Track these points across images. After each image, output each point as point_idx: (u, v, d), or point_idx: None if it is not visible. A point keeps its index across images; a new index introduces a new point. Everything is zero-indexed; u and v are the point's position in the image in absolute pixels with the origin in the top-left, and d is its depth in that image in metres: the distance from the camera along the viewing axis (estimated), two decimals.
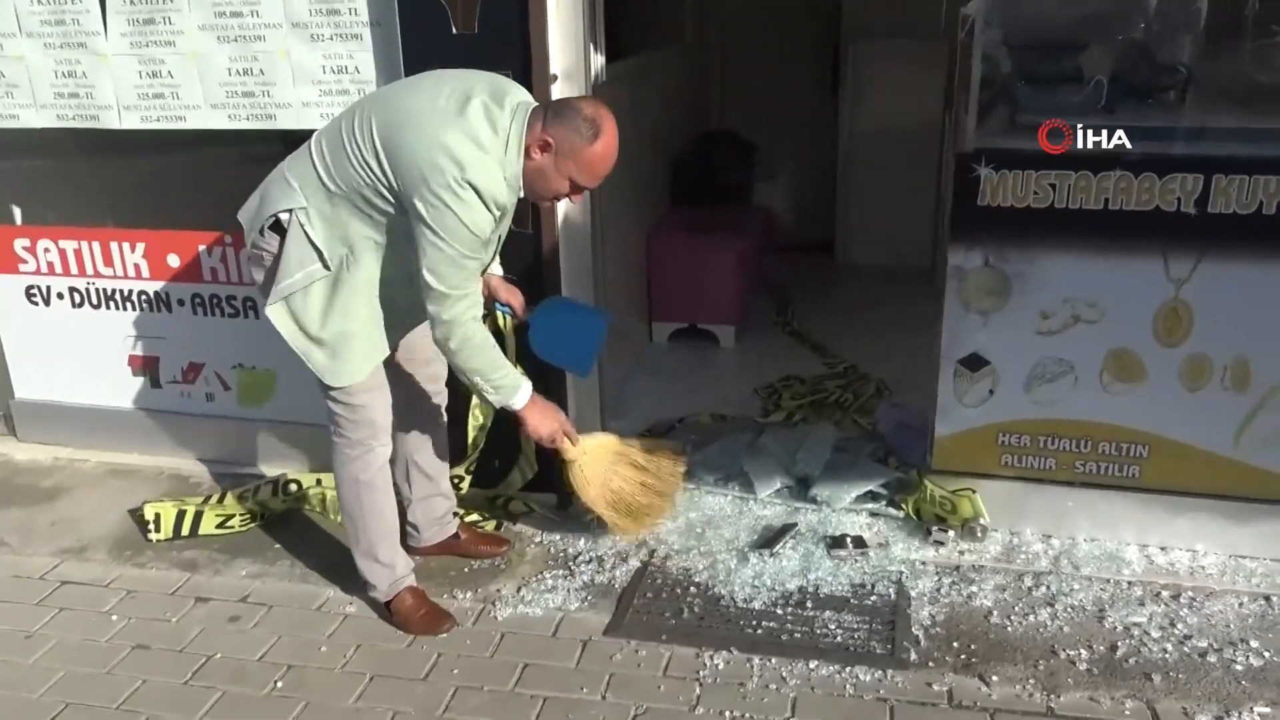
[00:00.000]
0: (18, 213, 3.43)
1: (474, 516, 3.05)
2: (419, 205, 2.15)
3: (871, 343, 4.25)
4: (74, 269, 3.40)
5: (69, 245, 3.37)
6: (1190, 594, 2.63)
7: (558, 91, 2.80)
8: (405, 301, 2.38)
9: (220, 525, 3.09)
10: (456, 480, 2.99)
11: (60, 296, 3.45)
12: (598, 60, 3.53)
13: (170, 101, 3.09)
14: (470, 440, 2.99)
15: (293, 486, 3.21)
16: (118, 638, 2.64)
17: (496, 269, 2.68)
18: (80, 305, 3.45)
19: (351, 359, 2.39)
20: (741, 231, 4.56)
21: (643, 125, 4.21)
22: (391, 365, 2.52)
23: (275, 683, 2.45)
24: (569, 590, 2.74)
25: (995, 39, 2.59)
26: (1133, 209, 2.56)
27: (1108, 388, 2.73)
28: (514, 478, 3.13)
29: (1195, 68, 2.71)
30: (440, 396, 2.76)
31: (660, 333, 4.48)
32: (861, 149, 5.30)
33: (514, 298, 2.69)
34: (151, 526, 3.06)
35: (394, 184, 2.19)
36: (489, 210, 2.18)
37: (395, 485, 2.68)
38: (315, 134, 2.35)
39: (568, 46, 2.80)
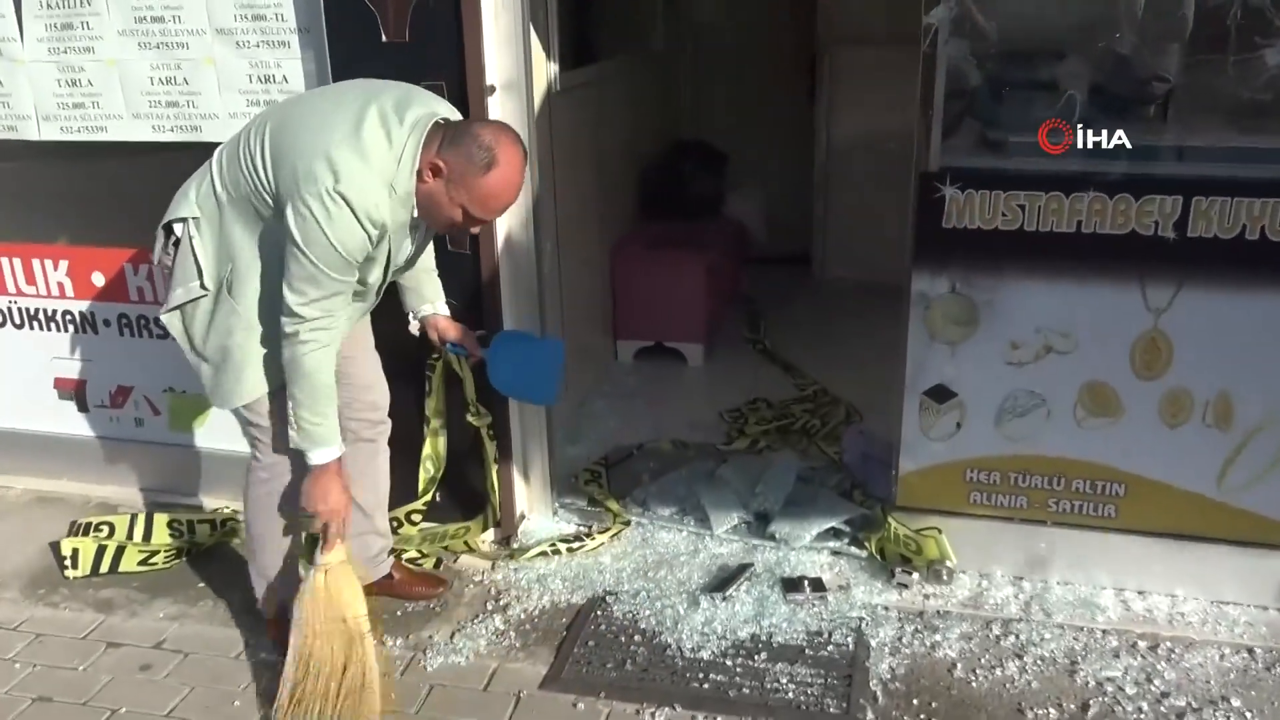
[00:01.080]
0: None
1: (411, 553, 2.86)
2: (289, 213, 1.99)
3: (845, 363, 4.07)
4: None
5: None
6: (1169, 644, 2.46)
7: (496, 104, 2.62)
8: None
9: (143, 563, 2.90)
10: (396, 524, 2.81)
11: None
12: (551, 68, 3.36)
13: (91, 111, 2.90)
14: (420, 489, 2.82)
15: (230, 525, 3.03)
16: (19, 688, 2.46)
17: (443, 309, 2.54)
18: (2, 325, 3.26)
19: (239, 380, 2.23)
20: (710, 245, 4.38)
21: (605, 135, 4.03)
22: None
23: None
24: (507, 637, 2.56)
25: (961, 49, 2.42)
26: (1107, 232, 2.39)
27: (1082, 422, 2.56)
28: (475, 524, 2.94)
29: (1177, 81, 2.56)
30: (381, 428, 2.57)
31: (625, 351, 4.30)
32: (839, 159, 5.12)
33: (466, 339, 2.54)
34: (69, 562, 2.88)
35: (274, 187, 2.04)
36: (361, 226, 1.99)
37: None
38: (221, 145, 2.21)
39: (507, 56, 2.61)
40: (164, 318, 2.26)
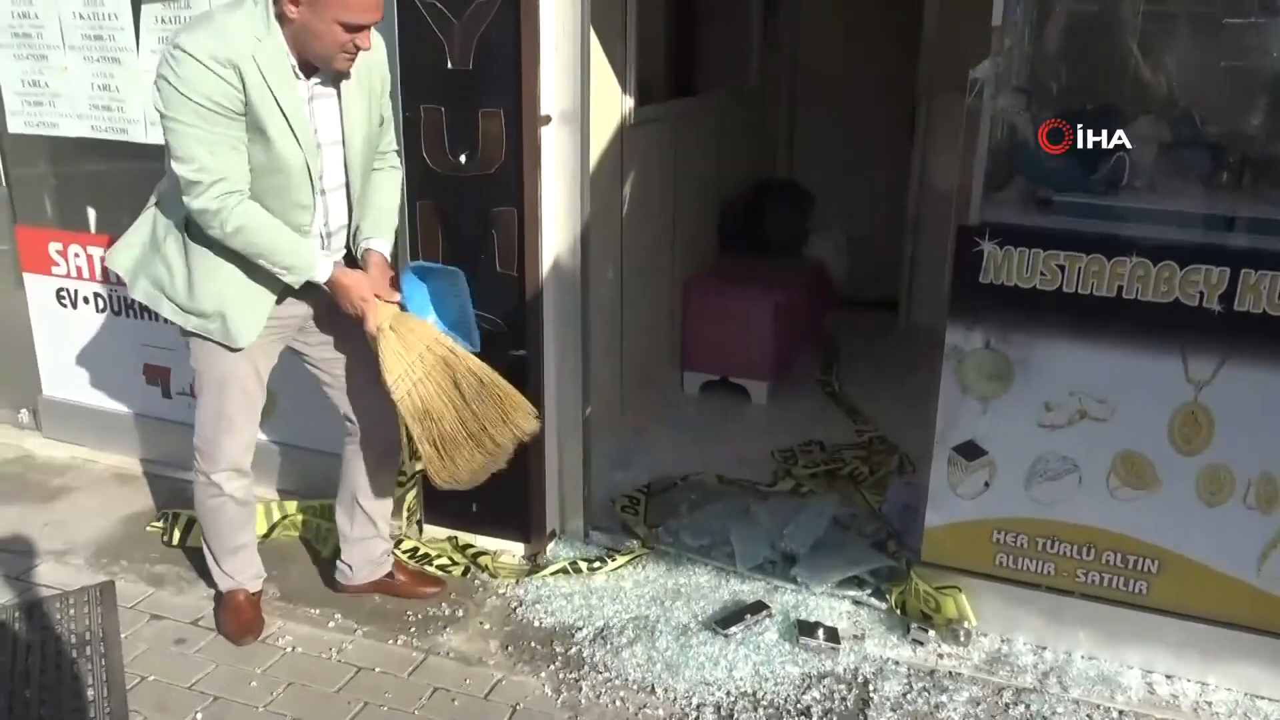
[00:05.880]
0: (93, 216, 3.55)
1: (442, 561, 2.96)
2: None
3: (912, 412, 4.00)
4: (99, 275, 3.48)
5: (96, 251, 3.45)
6: None
7: (550, 133, 2.72)
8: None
9: None
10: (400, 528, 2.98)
11: (86, 301, 3.54)
12: (626, 101, 3.45)
13: None
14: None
15: (276, 513, 3.19)
16: None
17: (378, 246, 2.43)
18: (103, 311, 3.53)
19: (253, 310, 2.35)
20: (785, 284, 4.37)
21: (683, 168, 4.10)
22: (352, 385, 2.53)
23: (195, 715, 2.40)
24: (518, 650, 2.63)
25: (1009, 105, 2.40)
26: (1149, 300, 2.32)
27: (1115, 492, 2.47)
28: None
29: (1246, 150, 2.48)
30: (394, 428, 2.61)
31: (691, 383, 4.33)
32: (932, 207, 5.06)
33: (380, 283, 2.38)
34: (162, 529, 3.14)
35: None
36: (209, 69, 2.06)
37: (336, 520, 2.70)
38: None
39: (566, 88, 2.71)
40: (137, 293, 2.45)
